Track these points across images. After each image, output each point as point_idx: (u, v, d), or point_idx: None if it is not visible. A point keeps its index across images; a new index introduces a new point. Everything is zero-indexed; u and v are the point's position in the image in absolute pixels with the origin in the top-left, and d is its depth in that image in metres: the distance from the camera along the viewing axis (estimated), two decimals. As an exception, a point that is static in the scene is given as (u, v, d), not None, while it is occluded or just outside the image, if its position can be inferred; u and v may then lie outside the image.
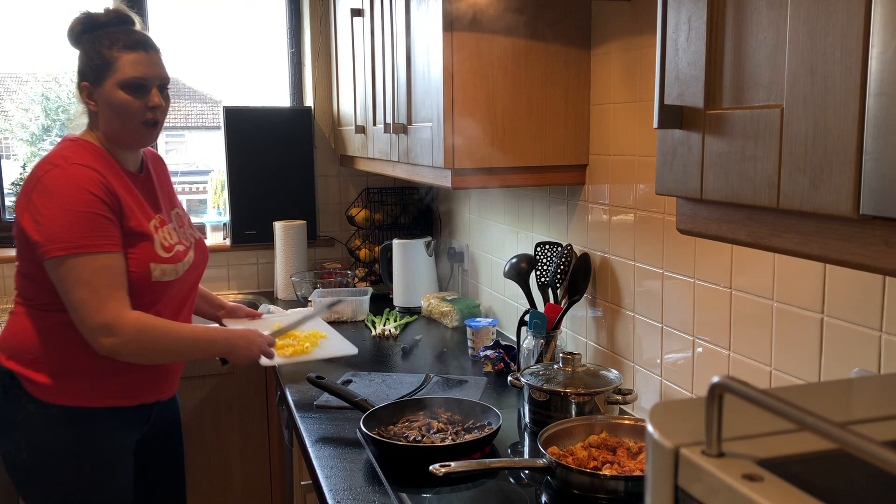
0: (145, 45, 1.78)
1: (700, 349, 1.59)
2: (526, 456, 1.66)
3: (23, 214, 1.68)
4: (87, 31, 1.79)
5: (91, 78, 1.77)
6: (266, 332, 1.94)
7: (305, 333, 2.12)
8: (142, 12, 3.15)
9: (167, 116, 1.84)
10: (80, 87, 1.80)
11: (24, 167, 3.09)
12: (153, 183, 1.90)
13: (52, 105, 3.29)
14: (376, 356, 2.38)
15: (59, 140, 1.86)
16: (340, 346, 2.13)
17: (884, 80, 0.63)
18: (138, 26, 1.83)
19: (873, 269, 0.68)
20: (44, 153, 3.33)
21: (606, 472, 1.38)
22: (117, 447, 1.82)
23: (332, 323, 2.75)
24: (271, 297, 3.12)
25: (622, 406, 1.74)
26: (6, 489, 2.51)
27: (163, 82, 1.81)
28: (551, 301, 2.02)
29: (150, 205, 1.85)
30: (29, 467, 1.76)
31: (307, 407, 1.92)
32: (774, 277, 1.37)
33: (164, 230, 1.83)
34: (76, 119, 1.86)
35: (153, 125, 1.79)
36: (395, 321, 2.67)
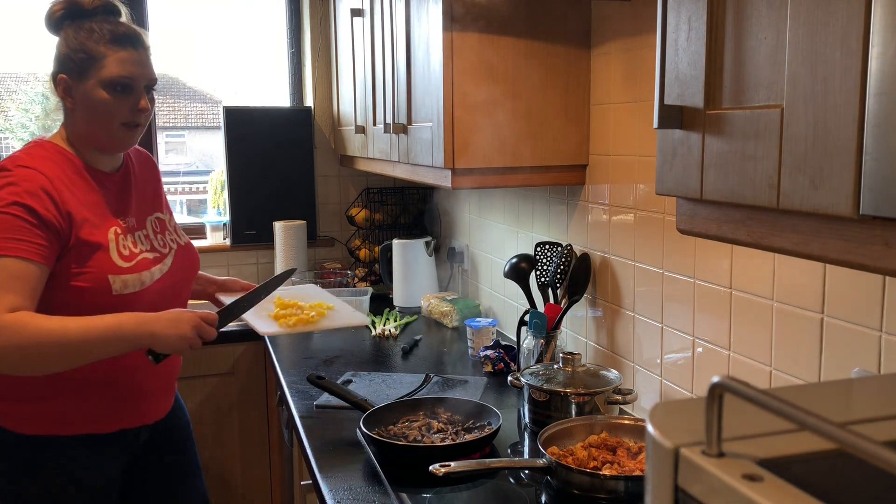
0: (134, 42, 1.64)
1: (700, 349, 1.59)
2: (526, 456, 1.66)
3: None
4: (68, 18, 1.63)
5: (72, 72, 1.61)
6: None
7: (310, 304, 1.93)
8: (141, 12, 3.15)
9: (151, 118, 1.72)
10: (57, 80, 1.64)
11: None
12: (129, 184, 1.75)
13: (51, 105, 3.29)
14: (376, 356, 2.38)
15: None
16: (349, 316, 1.92)
17: (884, 80, 0.63)
18: (125, 18, 1.69)
19: (873, 269, 0.68)
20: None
21: (606, 472, 1.38)
22: (97, 479, 1.68)
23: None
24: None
25: (622, 406, 1.74)
26: None
27: (150, 83, 1.67)
28: (551, 301, 2.02)
29: (116, 209, 1.69)
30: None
31: (307, 407, 1.92)
32: (774, 277, 1.37)
33: (126, 238, 1.66)
34: (51, 115, 1.71)
35: (134, 127, 1.65)
36: (395, 321, 2.67)
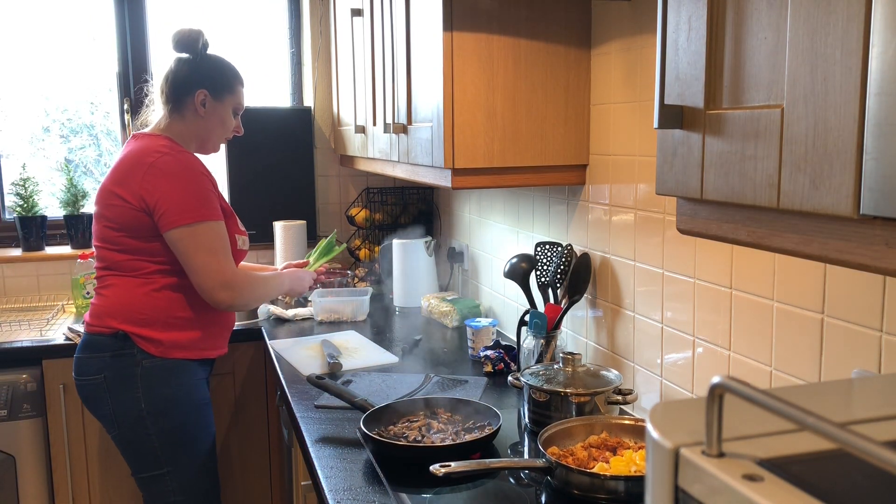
0: (243, 82, 2.25)
1: (700, 349, 1.59)
2: (526, 456, 1.66)
3: (143, 192, 1.98)
4: (206, 48, 2.16)
5: (212, 90, 2.14)
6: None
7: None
8: (141, 11, 3.15)
9: None
10: (196, 93, 2.12)
11: (24, 167, 3.08)
12: None
13: (51, 105, 3.29)
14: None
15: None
16: None
17: (884, 79, 0.63)
18: None
19: (873, 269, 0.68)
20: (42, 153, 3.31)
21: (607, 471, 1.38)
22: (206, 394, 2.17)
23: (329, 322, 2.76)
24: (271, 297, 3.12)
25: (622, 406, 1.74)
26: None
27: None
28: (551, 301, 2.02)
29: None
30: (146, 416, 2.04)
31: (307, 407, 1.92)
32: (774, 277, 1.37)
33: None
34: (149, 113, 2.23)
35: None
36: (327, 256, 2.64)
